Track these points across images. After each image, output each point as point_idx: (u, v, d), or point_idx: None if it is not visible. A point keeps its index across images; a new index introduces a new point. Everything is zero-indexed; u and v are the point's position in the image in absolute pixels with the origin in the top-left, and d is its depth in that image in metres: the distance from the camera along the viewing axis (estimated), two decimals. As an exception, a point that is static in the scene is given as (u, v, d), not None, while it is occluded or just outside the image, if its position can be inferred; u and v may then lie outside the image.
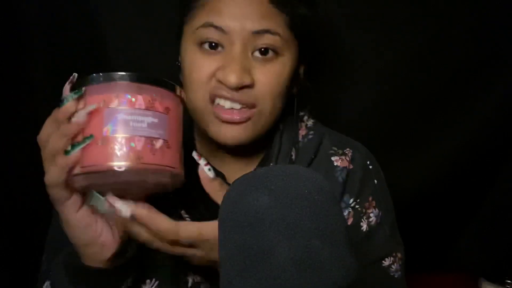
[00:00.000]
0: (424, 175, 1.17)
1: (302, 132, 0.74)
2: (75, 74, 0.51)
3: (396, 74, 1.10)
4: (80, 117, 0.48)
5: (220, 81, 0.62)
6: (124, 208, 0.50)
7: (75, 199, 0.52)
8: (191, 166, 0.56)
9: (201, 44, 0.64)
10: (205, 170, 0.55)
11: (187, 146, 0.58)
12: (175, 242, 0.52)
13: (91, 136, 0.48)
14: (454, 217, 1.22)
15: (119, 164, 0.48)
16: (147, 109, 0.49)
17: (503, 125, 1.13)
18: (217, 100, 0.64)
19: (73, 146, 0.48)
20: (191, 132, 0.74)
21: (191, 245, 0.52)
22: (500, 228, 1.20)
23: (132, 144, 0.48)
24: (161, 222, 0.50)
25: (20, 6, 1.00)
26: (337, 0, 1.05)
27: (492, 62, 1.10)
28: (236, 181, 0.45)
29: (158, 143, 0.49)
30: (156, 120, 0.50)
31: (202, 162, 0.56)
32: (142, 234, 0.51)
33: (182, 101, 0.55)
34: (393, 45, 1.08)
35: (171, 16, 0.75)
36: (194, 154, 0.56)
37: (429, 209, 1.19)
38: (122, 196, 0.52)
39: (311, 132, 0.74)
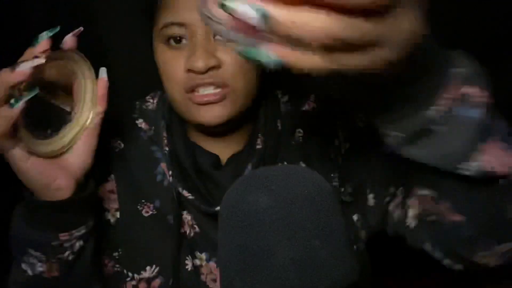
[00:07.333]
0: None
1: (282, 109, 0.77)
2: (81, 28, 0.50)
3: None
4: (24, 67, 0.46)
5: (190, 70, 0.65)
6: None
7: (22, 150, 0.52)
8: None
9: (167, 41, 0.66)
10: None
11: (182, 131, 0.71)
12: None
13: (35, 88, 0.46)
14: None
15: None
16: None
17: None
18: (193, 93, 0.66)
19: (18, 99, 0.46)
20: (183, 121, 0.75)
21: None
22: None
23: None
24: None
25: (19, 6, 1.00)
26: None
27: (492, 62, 1.10)
28: (236, 181, 0.45)
29: None
30: None
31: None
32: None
33: None
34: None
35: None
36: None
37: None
38: None
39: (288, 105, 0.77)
